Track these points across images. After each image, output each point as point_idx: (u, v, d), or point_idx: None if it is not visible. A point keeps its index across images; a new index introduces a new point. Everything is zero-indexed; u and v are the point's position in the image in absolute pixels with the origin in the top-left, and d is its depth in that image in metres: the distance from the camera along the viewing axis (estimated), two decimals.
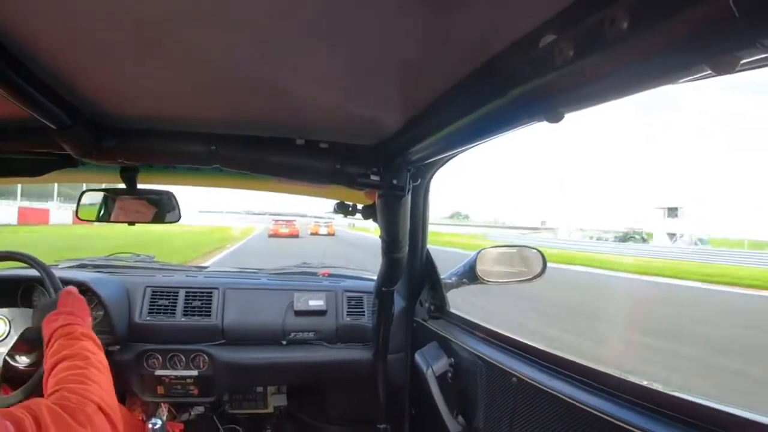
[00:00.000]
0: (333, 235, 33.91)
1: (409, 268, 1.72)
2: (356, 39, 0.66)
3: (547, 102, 0.60)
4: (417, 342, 1.78)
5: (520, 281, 1.72)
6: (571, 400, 0.94)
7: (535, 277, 1.67)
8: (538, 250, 1.70)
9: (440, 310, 1.70)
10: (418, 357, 1.63)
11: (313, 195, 1.68)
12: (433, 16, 0.58)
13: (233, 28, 0.65)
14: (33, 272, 1.41)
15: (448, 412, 1.43)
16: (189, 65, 0.80)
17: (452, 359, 1.49)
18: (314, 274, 2.26)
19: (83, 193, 1.56)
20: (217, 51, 0.73)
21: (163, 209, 1.57)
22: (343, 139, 1.19)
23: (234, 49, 0.72)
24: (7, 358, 1.31)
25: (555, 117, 0.60)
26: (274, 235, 29.49)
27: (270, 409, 2.13)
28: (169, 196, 1.55)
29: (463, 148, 1.01)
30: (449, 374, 1.48)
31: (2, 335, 1.32)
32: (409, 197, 1.26)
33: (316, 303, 1.90)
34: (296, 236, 29.63)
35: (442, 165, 1.47)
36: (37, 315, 1.28)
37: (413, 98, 0.89)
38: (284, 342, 1.85)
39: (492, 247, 1.74)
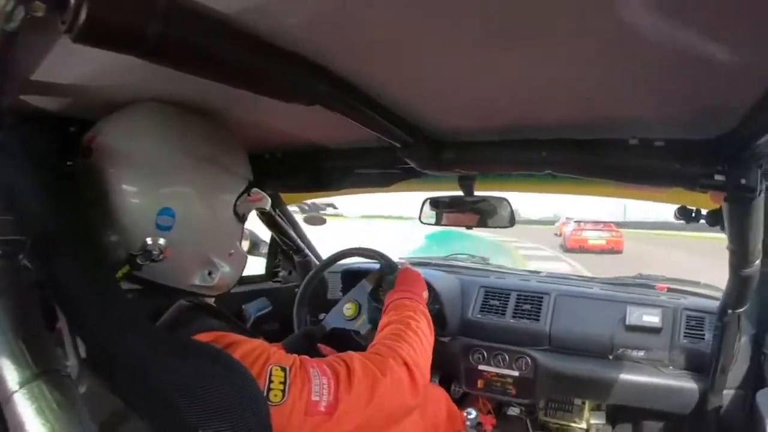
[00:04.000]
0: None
1: (762, 288, 1.44)
2: (686, 19, 0.57)
3: None
4: (762, 379, 1.51)
5: None
6: None
7: None
8: None
9: None
10: (760, 398, 1.39)
11: (651, 200, 1.55)
12: None
13: (560, 35, 0.64)
14: (375, 264, 1.60)
15: None
16: (517, 79, 0.82)
17: None
18: (651, 286, 2.08)
19: (425, 201, 1.78)
20: (545, 60, 0.73)
21: (489, 215, 1.65)
22: (681, 135, 1.04)
23: (563, 54, 0.70)
24: (353, 335, 1.52)
25: None
26: (579, 248, 17.83)
27: (584, 425, 2.06)
28: (502, 202, 1.62)
29: None
30: None
31: (355, 313, 1.51)
32: (761, 200, 1.03)
33: (650, 319, 1.74)
34: (620, 251, 17.61)
35: None
36: (381, 294, 1.47)
37: (752, 80, 0.72)
38: (611, 357, 1.76)
39: None
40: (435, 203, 1.74)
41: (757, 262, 1.24)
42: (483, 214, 1.68)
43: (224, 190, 0.96)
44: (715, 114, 0.92)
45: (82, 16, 0.47)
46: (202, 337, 0.78)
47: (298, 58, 0.74)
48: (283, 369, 0.80)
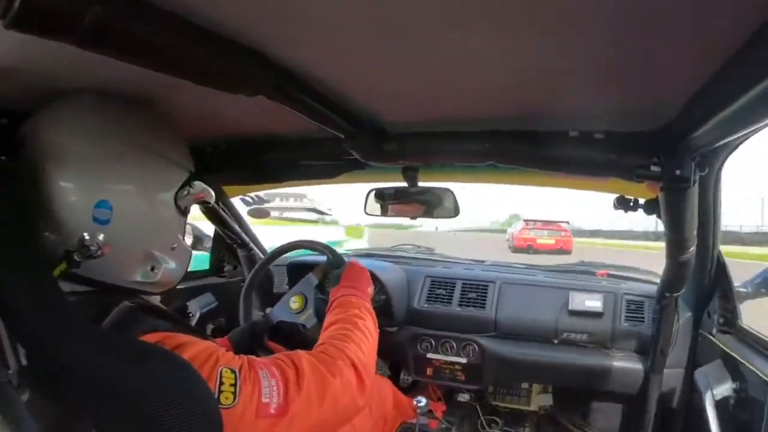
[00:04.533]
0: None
1: (697, 273, 1.50)
2: (624, 15, 0.59)
3: None
4: (699, 358, 1.58)
5: None
6: None
7: None
8: None
9: (730, 323, 1.45)
10: (698, 376, 1.45)
11: (591, 189, 1.59)
12: None
13: (499, 27, 0.65)
14: (321, 257, 1.61)
15: None
16: (460, 70, 0.82)
17: (737, 383, 1.27)
18: (592, 273, 2.15)
19: (369, 192, 1.78)
20: (486, 52, 0.74)
21: (435, 205, 1.67)
22: (619, 127, 1.08)
23: (503, 47, 0.72)
24: (301, 327, 1.50)
25: None
26: (527, 247, 17.61)
27: (533, 407, 2.12)
28: (446, 192, 1.64)
29: (753, 128, 0.80)
30: (731, 401, 1.27)
31: (302, 306, 1.50)
32: (695, 189, 1.09)
33: (592, 304, 1.80)
34: (569, 251, 17.30)
35: (733, 150, 1.22)
36: (327, 288, 1.46)
37: (691, 73, 0.76)
38: (556, 341, 1.81)
39: None
40: (380, 194, 1.73)
41: (692, 248, 1.29)
42: (428, 205, 1.69)
43: (164, 182, 0.92)
44: (652, 108, 0.96)
45: (17, 0, 0.45)
46: (149, 338, 0.75)
47: (240, 48, 0.73)
48: (233, 371, 0.79)
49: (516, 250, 17.45)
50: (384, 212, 1.75)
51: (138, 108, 0.92)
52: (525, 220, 20.48)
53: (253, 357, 0.87)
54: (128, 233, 0.85)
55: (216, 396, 0.74)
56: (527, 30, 0.67)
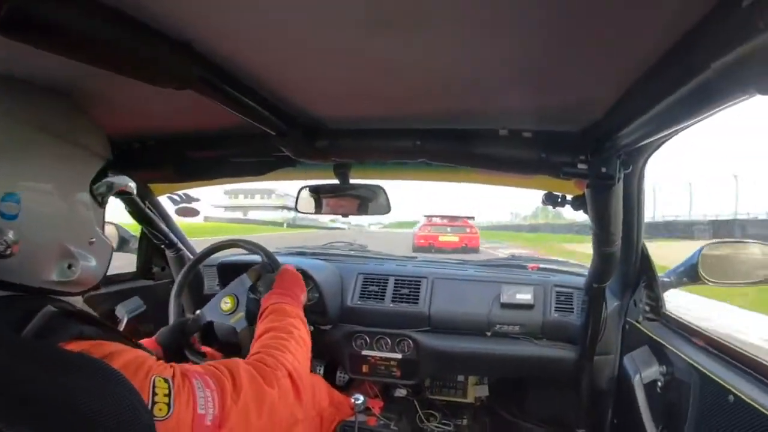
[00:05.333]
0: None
1: (623, 264, 1.58)
2: (552, 20, 0.62)
3: (755, 71, 0.51)
4: (627, 345, 1.65)
5: (751, 283, 1.46)
6: None
7: None
8: None
9: (655, 311, 1.54)
10: (626, 361, 1.52)
11: (521, 186, 1.64)
12: None
13: (428, 27, 0.66)
14: (256, 257, 1.59)
15: (652, 426, 1.30)
16: (391, 68, 0.83)
17: (664, 367, 1.34)
18: (523, 267, 2.22)
19: (301, 189, 1.75)
20: (416, 51, 0.75)
21: (369, 202, 1.66)
22: (548, 127, 1.13)
23: (432, 47, 0.73)
24: (229, 330, 1.47)
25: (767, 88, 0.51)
26: (428, 246, 15.64)
27: (470, 399, 2.16)
28: (378, 190, 1.64)
29: (673, 129, 0.86)
30: (659, 383, 1.34)
31: (233, 308, 1.47)
32: (620, 186, 1.15)
33: (523, 296, 1.86)
34: (476, 249, 15.95)
35: (655, 150, 1.30)
36: (260, 291, 1.44)
37: (616, 78, 0.81)
38: (489, 333, 1.85)
39: (718, 242, 1.52)
40: (314, 190, 1.70)
41: (618, 241, 1.35)
42: (363, 201, 1.68)
43: (78, 170, 0.85)
44: (579, 109, 1.00)
45: None
46: (75, 345, 0.70)
47: (168, 39, 0.70)
48: (167, 380, 0.75)
49: (416, 249, 15.11)
50: (318, 208, 1.72)
51: (52, 95, 0.85)
52: (426, 216, 17.89)
53: (187, 366, 0.84)
54: (40, 228, 0.78)
55: (149, 407, 0.70)
56: (452, 32, 0.68)
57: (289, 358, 1.03)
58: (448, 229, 16.36)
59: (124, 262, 1.95)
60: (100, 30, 0.61)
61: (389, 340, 1.90)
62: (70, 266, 0.83)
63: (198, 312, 1.52)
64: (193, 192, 1.97)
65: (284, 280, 1.35)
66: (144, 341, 1.39)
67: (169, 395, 0.74)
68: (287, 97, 1.02)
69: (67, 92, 0.90)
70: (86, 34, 0.60)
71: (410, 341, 1.88)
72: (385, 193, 1.63)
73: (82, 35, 0.60)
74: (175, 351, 1.42)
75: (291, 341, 1.09)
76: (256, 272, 1.49)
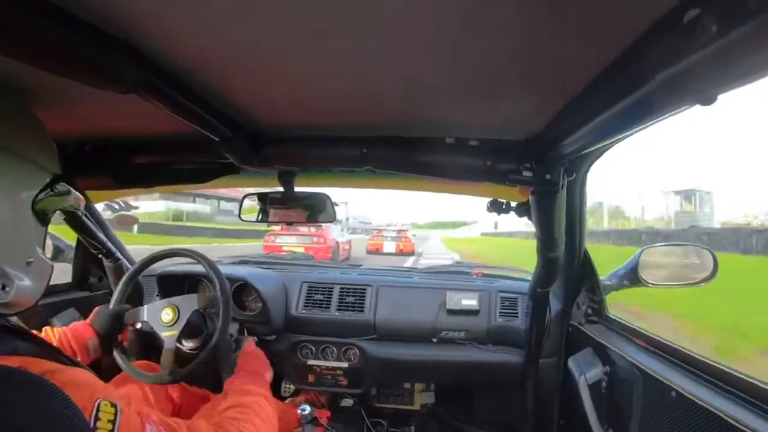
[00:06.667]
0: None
1: (566, 269, 1.62)
2: (496, 31, 0.64)
3: (696, 83, 0.54)
4: (571, 347, 1.68)
5: (687, 284, 1.51)
6: (735, 423, 0.81)
7: (704, 281, 1.46)
8: (710, 250, 1.49)
9: (598, 313, 1.58)
10: (571, 363, 1.55)
11: (466, 193, 1.65)
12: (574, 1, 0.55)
13: (372, 36, 0.66)
14: (199, 268, 1.54)
15: (598, 425, 1.33)
16: (335, 75, 0.83)
17: (607, 367, 1.37)
18: (468, 273, 2.24)
19: (245, 197, 1.71)
20: (361, 59, 0.75)
21: (317, 210, 1.64)
22: (494, 135, 1.15)
23: (377, 55, 0.73)
24: (159, 340, 1.41)
25: (707, 99, 0.54)
26: (375, 251, 20.98)
27: (416, 407, 2.17)
28: (323, 198, 1.62)
29: (616, 138, 0.91)
30: (603, 383, 1.37)
31: (172, 321, 1.41)
32: (564, 193, 1.19)
33: (468, 302, 1.87)
34: (411, 253, 21.35)
35: (598, 157, 1.35)
36: (211, 313, 1.43)
37: (560, 89, 0.84)
38: (435, 340, 1.86)
39: (657, 245, 1.57)
40: (262, 198, 1.67)
41: (561, 246, 1.39)
42: (312, 210, 1.66)
43: (18, 184, 0.76)
44: (524, 118, 1.02)
45: None
46: (7, 361, 0.64)
47: (112, 40, 0.67)
48: (114, 406, 0.71)
49: (368, 252, 21.22)
50: (264, 217, 1.69)
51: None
52: (375, 229, 26.08)
53: (144, 407, 0.80)
54: None
55: (92, 427, 0.66)
56: (397, 40, 0.68)
57: (250, 429, 1.03)
58: (389, 238, 22.38)
59: (58, 273, 1.85)
60: (40, 27, 0.58)
61: (335, 349, 1.89)
62: (3, 287, 0.75)
63: (139, 308, 1.45)
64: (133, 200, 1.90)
65: (247, 363, 1.34)
66: (77, 324, 1.37)
67: (113, 422, 0.69)
68: (233, 104, 1.01)
69: (6, 96, 0.80)
70: (25, 31, 0.57)
71: (356, 350, 1.87)
72: (330, 202, 1.62)
73: (19, 32, 0.57)
74: (109, 339, 1.38)
75: (256, 418, 1.08)
76: (207, 300, 1.44)
